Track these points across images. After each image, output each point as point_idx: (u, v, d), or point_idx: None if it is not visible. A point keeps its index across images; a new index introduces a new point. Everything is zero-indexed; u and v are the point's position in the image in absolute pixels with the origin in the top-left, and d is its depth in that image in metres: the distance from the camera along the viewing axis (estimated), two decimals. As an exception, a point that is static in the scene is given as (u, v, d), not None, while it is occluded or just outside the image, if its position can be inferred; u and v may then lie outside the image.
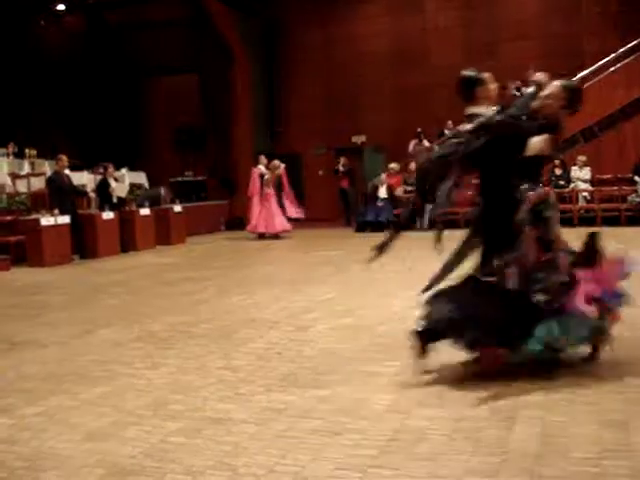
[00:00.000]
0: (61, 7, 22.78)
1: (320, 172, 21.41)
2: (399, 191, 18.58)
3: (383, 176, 18.40)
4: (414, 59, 20.75)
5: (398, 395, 4.45)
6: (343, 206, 19.79)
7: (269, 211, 16.68)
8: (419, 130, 19.69)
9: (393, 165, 19.16)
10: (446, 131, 19.58)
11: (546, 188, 5.19)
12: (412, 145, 19.86)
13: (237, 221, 20.55)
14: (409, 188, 18.44)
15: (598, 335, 4.80)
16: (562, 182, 17.19)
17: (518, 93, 5.44)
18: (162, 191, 17.62)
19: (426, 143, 19.76)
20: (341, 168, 19.68)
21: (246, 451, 3.68)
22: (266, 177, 16.95)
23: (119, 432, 4.07)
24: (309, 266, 11.31)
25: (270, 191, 16.89)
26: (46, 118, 22.45)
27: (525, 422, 3.87)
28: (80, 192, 14.98)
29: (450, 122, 19.45)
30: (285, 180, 17.28)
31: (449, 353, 5.34)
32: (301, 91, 22.17)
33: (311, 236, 17.20)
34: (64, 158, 14.07)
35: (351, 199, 19.68)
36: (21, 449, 3.88)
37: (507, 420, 3.91)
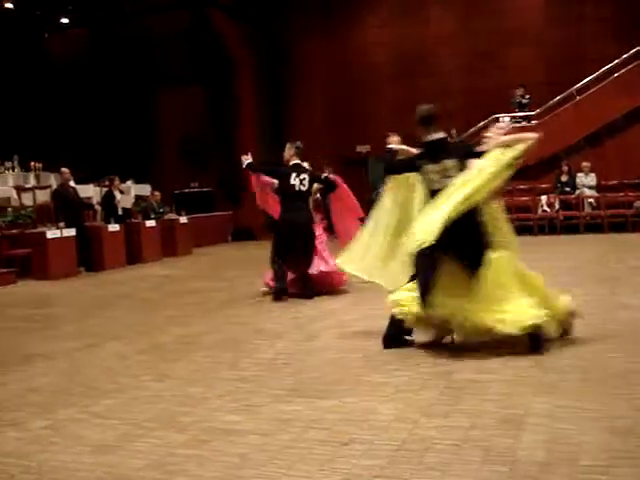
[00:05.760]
0: (65, 20, 22.89)
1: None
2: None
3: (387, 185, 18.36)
4: (417, 67, 20.78)
5: (405, 404, 4.44)
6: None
7: None
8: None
9: None
10: (449, 139, 19.62)
11: None
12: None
13: (244, 232, 20.57)
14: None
15: None
16: (568, 189, 17.20)
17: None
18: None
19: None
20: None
21: (253, 462, 3.68)
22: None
23: (127, 444, 4.07)
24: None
25: None
26: (51, 131, 22.53)
27: (532, 430, 3.86)
28: (86, 205, 15.04)
29: (454, 130, 19.50)
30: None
31: (456, 363, 5.35)
32: (306, 101, 22.20)
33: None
34: (66, 171, 14.12)
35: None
36: (29, 462, 3.88)
37: (514, 428, 3.90)
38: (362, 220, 9.78)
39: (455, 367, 5.22)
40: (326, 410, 4.43)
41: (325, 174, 9.78)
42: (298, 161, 9.22)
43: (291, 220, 9.02)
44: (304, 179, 9.09)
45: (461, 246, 5.57)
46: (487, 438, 3.79)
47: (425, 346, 5.90)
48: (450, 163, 5.64)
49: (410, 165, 6.09)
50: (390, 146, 6.39)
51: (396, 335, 5.88)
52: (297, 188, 9.05)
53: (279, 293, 8.94)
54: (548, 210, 17.19)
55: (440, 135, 5.89)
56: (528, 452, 3.56)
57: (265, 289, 9.40)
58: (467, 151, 5.87)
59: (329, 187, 9.51)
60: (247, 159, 9.30)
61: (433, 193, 5.65)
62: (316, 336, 6.68)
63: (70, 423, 4.52)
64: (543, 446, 3.63)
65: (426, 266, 5.58)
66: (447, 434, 3.89)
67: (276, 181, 9.31)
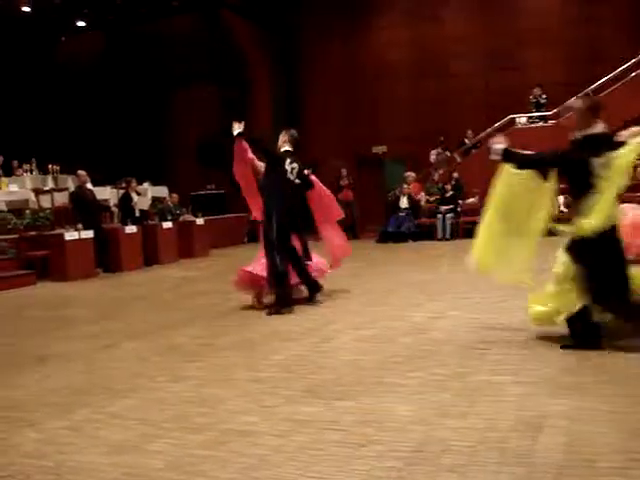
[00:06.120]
0: (81, 24, 23.03)
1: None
2: (422, 198, 18.50)
3: (404, 186, 18.36)
4: (433, 68, 20.78)
5: (422, 406, 4.43)
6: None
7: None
8: (442, 139, 19.68)
9: (410, 173, 19.01)
10: (466, 140, 19.58)
11: None
12: (434, 154, 19.83)
13: (257, 233, 20.58)
14: (431, 198, 18.40)
15: None
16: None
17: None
18: None
19: (447, 152, 19.75)
20: (345, 181, 19.62)
21: (270, 464, 3.69)
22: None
23: (144, 445, 4.09)
24: (331, 277, 11.28)
25: None
26: (68, 134, 22.67)
27: (550, 432, 3.84)
28: (104, 206, 15.15)
29: (470, 131, 19.46)
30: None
31: (471, 364, 5.34)
32: (322, 101, 22.22)
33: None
34: (83, 173, 14.24)
35: (355, 212, 19.38)
36: (47, 463, 3.91)
37: (531, 430, 3.88)
38: (340, 222, 9.61)
39: (470, 369, 5.21)
40: (342, 411, 4.43)
41: (306, 172, 8.96)
42: (290, 149, 8.54)
43: (287, 207, 8.31)
44: (294, 169, 8.46)
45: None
46: (504, 440, 3.78)
47: (437, 347, 5.89)
48: (612, 155, 5.54)
49: (559, 159, 5.92)
50: (497, 146, 6.11)
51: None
52: (287, 175, 8.35)
53: (282, 303, 8.11)
54: (566, 210, 17.09)
55: (602, 128, 5.74)
56: (545, 454, 3.55)
57: (254, 301, 8.62)
58: (617, 142, 5.70)
59: (306, 186, 8.85)
60: (239, 127, 8.23)
61: (591, 186, 5.53)
62: (331, 338, 6.68)
63: (87, 423, 4.55)
64: (560, 448, 3.61)
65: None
66: (464, 436, 3.88)
67: (262, 165, 8.58)
